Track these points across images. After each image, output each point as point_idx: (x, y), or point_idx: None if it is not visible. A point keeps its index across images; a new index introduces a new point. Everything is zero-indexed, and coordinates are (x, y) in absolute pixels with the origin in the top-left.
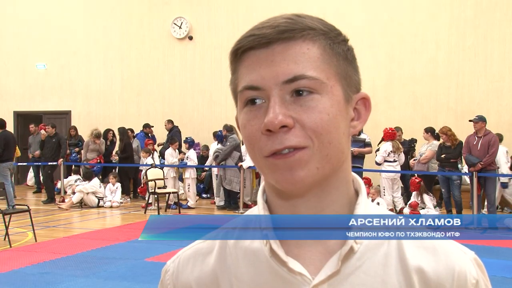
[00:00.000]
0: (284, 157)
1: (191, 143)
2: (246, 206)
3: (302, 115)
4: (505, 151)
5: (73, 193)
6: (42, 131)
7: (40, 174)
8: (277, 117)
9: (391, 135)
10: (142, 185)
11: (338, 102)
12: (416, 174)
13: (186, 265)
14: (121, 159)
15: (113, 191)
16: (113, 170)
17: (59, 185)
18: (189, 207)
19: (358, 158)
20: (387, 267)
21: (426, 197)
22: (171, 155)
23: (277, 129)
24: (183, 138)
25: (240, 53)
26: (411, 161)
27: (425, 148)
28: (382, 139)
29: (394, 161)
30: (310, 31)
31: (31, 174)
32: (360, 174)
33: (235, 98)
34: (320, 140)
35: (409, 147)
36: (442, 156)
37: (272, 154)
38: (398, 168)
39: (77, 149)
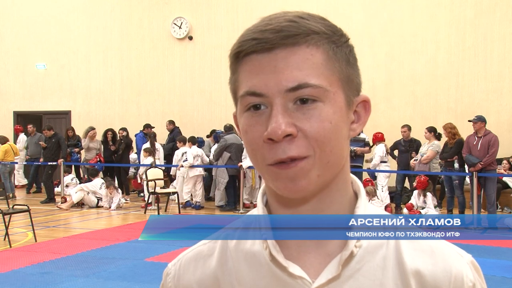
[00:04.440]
0: (286, 167)
1: (200, 143)
2: (247, 206)
3: (305, 123)
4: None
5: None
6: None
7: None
8: (280, 127)
9: (381, 137)
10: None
11: (340, 109)
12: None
13: (188, 268)
14: (122, 156)
15: (111, 198)
16: (109, 174)
17: (59, 185)
18: (195, 207)
19: (359, 158)
20: (386, 270)
21: (429, 196)
22: (192, 154)
23: (281, 139)
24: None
25: (242, 56)
26: (412, 161)
27: (426, 148)
28: (374, 143)
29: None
30: (314, 35)
31: (19, 175)
32: (360, 173)
33: (234, 98)
34: (322, 149)
35: (408, 147)
36: (442, 155)
37: (276, 163)
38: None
39: (77, 149)
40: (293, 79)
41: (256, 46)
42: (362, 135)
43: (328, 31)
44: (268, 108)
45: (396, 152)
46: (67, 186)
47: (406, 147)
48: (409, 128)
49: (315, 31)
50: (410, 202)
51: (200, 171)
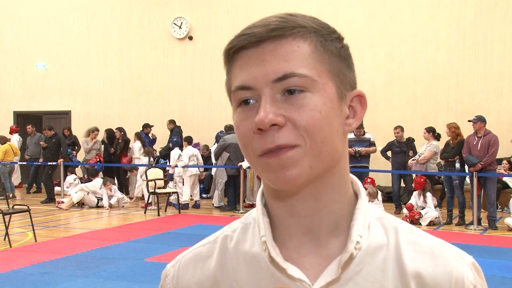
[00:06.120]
0: (276, 154)
1: (174, 143)
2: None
3: (293, 113)
4: None
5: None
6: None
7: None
8: (267, 116)
9: None
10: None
11: (330, 100)
12: (416, 174)
13: (187, 269)
14: (119, 156)
15: (111, 196)
16: (108, 174)
17: (59, 184)
18: (195, 206)
19: (364, 158)
20: (385, 272)
21: (429, 196)
22: (188, 154)
23: (268, 128)
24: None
25: (232, 53)
26: (410, 161)
27: (424, 148)
28: None
29: None
30: (300, 28)
31: (15, 175)
32: (367, 174)
33: (230, 98)
34: (312, 139)
35: (405, 147)
36: (443, 154)
37: (265, 153)
38: None
39: (74, 152)
40: (279, 70)
41: (244, 41)
42: (367, 135)
43: (317, 26)
44: (258, 101)
45: (389, 153)
46: (69, 185)
47: (401, 148)
48: (402, 129)
49: (302, 25)
50: (410, 202)
51: (196, 170)
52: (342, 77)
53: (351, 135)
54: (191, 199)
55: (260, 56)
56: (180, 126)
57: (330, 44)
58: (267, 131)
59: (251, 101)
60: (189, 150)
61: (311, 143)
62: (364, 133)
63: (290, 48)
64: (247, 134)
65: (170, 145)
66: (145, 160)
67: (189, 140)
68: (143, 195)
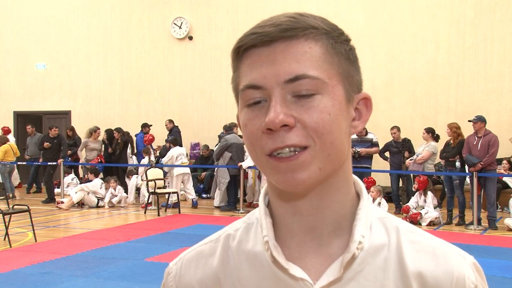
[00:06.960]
0: (287, 160)
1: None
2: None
3: (303, 114)
4: None
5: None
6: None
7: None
8: (278, 116)
9: None
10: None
11: (339, 102)
12: (414, 174)
13: (189, 267)
14: (119, 156)
15: (115, 195)
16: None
17: (59, 185)
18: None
19: (366, 158)
20: (387, 272)
21: (429, 195)
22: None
23: (278, 128)
24: (183, 138)
25: (242, 51)
26: (407, 161)
27: (423, 149)
28: None
29: None
30: (312, 30)
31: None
32: (369, 174)
33: (236, 96)
34: (322, 140)
35: (401, 147)
36: (444, 154)
37: (273, 153)
38: None
39: (69, 152)
40: (291, 71)
41: (256, 40)
42: (369, 135)
43: (328, 28)
44: (267, 101)
45: (387, 154)
46: (67, 186)
47: (398, 148)
48: (399, 129)
49: (314, 26)
50: (408, 203)
51: (185, 169)
52: (350, 80)
53: (353, 136)
54: (191, 199)
55: (271, 55)
56: (178, 126)
57: (340, 46)
58: (276, 132)
59: (261, 102)
60: (174, 151)
61: (320, 144)
62: (367, 133)
63: (302, 49)
64: (255, 133)
65: (167, 145)
66: (141, 159)
67: (174, 142)
68: (139, 201)
